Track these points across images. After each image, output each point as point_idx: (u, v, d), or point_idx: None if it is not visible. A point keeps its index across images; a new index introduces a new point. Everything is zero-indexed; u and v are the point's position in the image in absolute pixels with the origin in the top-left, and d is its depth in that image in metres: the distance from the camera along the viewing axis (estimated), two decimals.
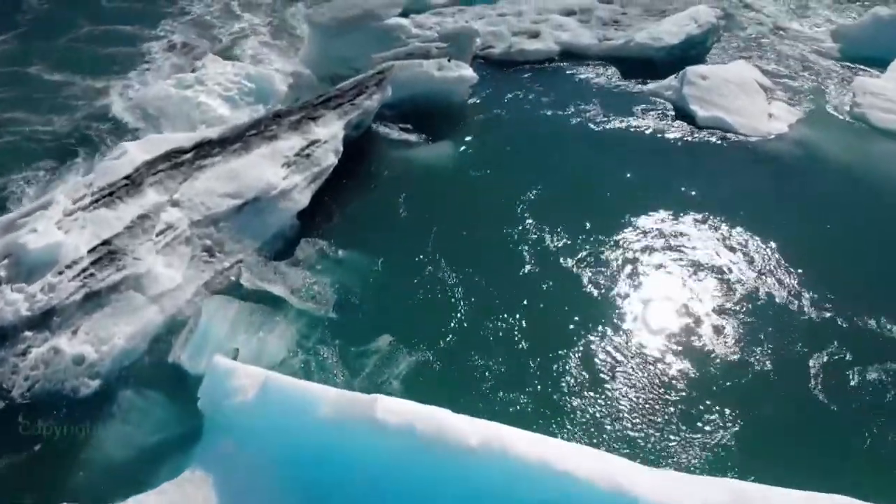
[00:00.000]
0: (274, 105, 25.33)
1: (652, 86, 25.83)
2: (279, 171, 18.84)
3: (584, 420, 13.78)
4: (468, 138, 23.46)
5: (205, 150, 19.45)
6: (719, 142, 23.10)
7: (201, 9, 36.21)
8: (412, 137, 23.39)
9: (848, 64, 28.16)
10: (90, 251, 16.13)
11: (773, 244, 18.53)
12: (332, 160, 19.76)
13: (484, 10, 31.27)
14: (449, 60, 24.87)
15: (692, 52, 28.46)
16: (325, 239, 18.28)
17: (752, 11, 33.73)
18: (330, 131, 20.40)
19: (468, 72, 24.68)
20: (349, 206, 19.96)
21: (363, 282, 17.09)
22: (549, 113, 24.72)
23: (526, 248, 18.43)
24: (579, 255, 18.14)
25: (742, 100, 24.04)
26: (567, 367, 14.91)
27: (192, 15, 35.22)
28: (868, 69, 27.73)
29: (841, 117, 24.47)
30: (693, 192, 20.69)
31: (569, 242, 18.60)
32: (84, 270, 15.83)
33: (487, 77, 26.75)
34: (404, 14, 28.65)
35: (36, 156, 23.68)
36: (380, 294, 16.80)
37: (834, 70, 27.79)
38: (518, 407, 13.96)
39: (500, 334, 15.76)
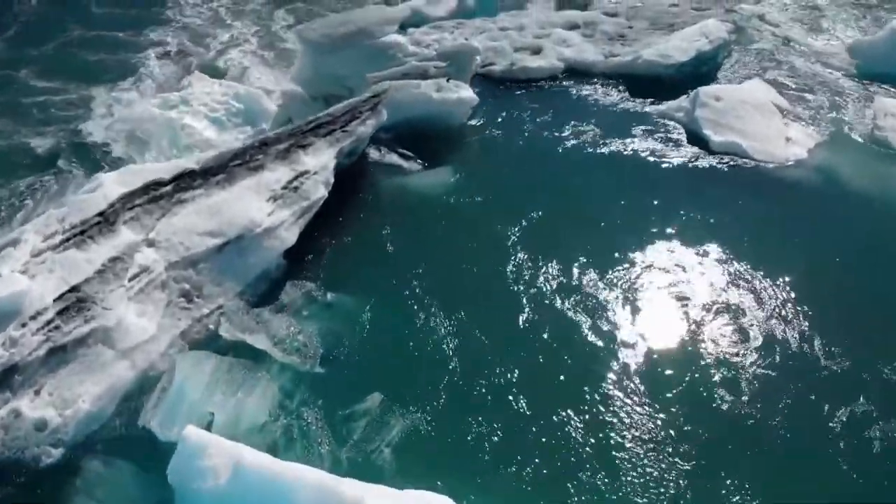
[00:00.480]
0: (263, 127, 24.25)
1: (662, 107, 24.49)
2: (264, 207, 17.54)
3: (588, 498, 12.49)
4: (467, 164, 22.16)
5: (185, 181, 18.14)
6: (735, 169, 21.75)
7: (190, 16, 35.11)
8: (408, 163, 22.08)
9: (866, 81, 26.77)
10: (56, 299, 14.86)
11: (792, 283, 17.22)
12: (321, 193, 18.45)
13: (484, 23, 29.94)
14: (448, 80, 23.56)
15: (703, 68, 27.14)
16: (313, 280, 16.99)
17: (764, 23, 32.35)
18: (320, 161, 19.10)
19: (468, 93, 23.37)
20: (340, 241, 18.66)
21: (353, 329, 15.79)
22: (552, 136, 23.39)
23: (527, 289, 17.11)
24: (585, 299, 16.81)
25: (758, 123, 22.72)
26: (570, 433, 13.61)
27: (179, 23, 34.13)
28: (886, 87, 26.38)
29: (861, 141, 23.12)
30: (708, 226, 19.39)
31: (574, 283, 17.28)
32: (49, 322, 14.51)
33: (488, 96, 25.43)
34: (402, 27, 27.38)
35: (12, 172, 22.74)
36: (370, 344, 15.51)
37: (851, 88, 26.43)
38: (519, 482, 12.67)
39: (500, 392, 14.43)
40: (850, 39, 30.31)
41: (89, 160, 23.23)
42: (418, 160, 22.18)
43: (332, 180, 18.98)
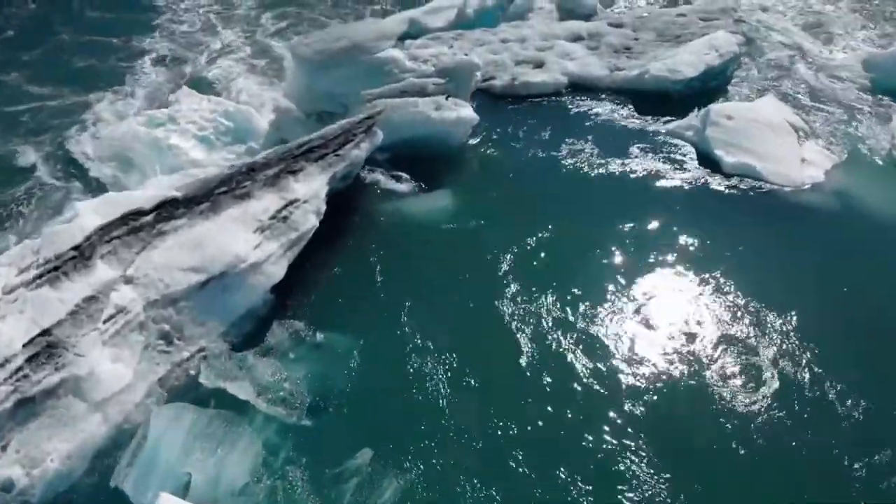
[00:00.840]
0: (253, 146, 23.11)
1: (671, 125, 23.43)
2: (251, 239, 16.48)
3: None
4: (466, 187, 21.10)
5: (167, 211, 17.10)
6: (749, 193, 20.67)
7: (181, 22, 34.09)
8: (405, 187, 21.02)
9: (881, 97, 25.69)
10: (26, 344, 13.81)
11: (809, 319, 16.31)
12: (312, 223, 17.40)
13: (484, 34, 28.82)
14: (447, 98, 22.52)
15: (712, 83, 26.07)
16: (302, 317, 15.96)
17: (773, 33, 31.27)
18: (311, 188, 18.05)
19: (468, 112, 22.30)
20: (331, 273, 17.61)
21: (343, 374, 14.75)
22: (555, 156, 22.32)
23: (528, 328, 16.07)
24: (588, 340, 15.81)
25: (772, 143, 21.64)
26: (574, 497, 12.59)
27: (170, 30, 33.05)
28: None
29: (880, 162, 22.06)
30: (720, 255, 18.35)
31: (577, 323, 16.24)
32: (18, 370, 13.49)
33: (488, 113, 24.30)
34: (400, 38, 26.30)
35: None
36: (361, 391, 14.47)
37: (867, 104, 25.34)
38: None
39: (499, 449, 13.39)
40: (861, 50, 29.28)
41: (72, 180, 22.14)
42: (415, 183, 21.12)
43: (323, 208, 17.94)
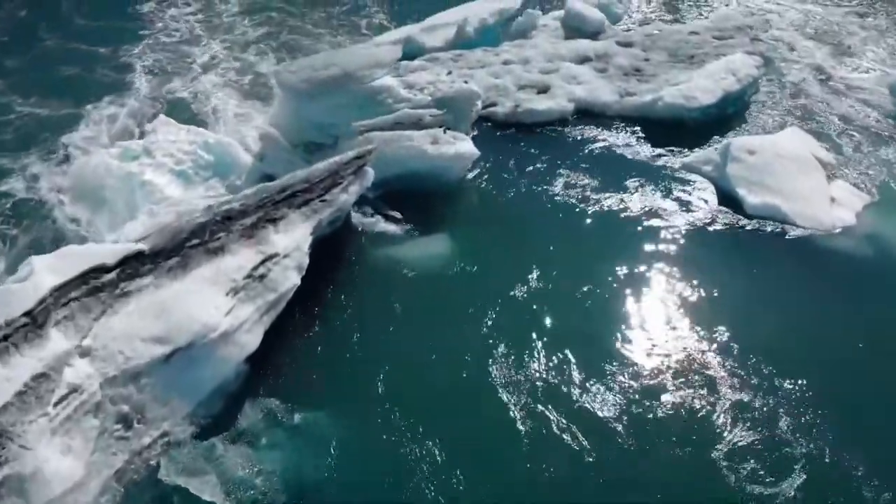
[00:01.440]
0: (234, 182, 21.39)
1: (688, 158, 21.66)
2: (222, 304, 14.70)
3: None
4: (465, 230, 19.37)
5: (132, 267, 15.36)
6: (774, 237, 18.91)
7: (166, 32, 32.39)
8: (397, 229, 19.30)
9: None
10: None
11: (841, 381, 14.72)
12: (292, 282, 15.65)
13: (485, 55, 27.08)
14: (444, 131, 20.78)
15: (729, 109, 24.33)
16: (278, 394, 14.22)
17: (791, 51, 29.49)
18: (292, 239, 16.31)
19: (467, 146, 20.55)
20: (311, 338, 15.86)
21: (322, 466, 12.98)
22: (562, 194, 20.56)
23: (529, 400, 14.35)
24: (588, 412, 14.12)
25: (798, 180, 19.88)
26: None
27: (154, 41, 31.41)
28: None
29: None
30: (744, 309, 16.67)
31: (582, 394, 14.51)
32: None
33: (490, 144, 22.55)
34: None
35: None
36: (343, 487, 12.69)
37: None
38: None
39: None
40: (885, 69, 27.50)
41: (36, 219, 20.40)
42: (408, 225, 19.41)
43: (305, 263, 16.19)
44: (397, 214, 19.78)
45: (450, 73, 23.97)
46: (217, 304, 14.64)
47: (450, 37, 28.56)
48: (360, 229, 19.23)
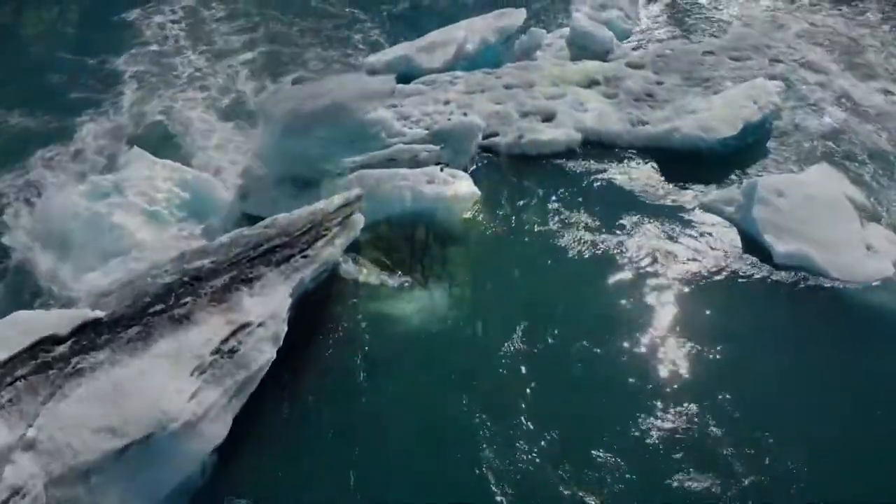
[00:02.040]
0: (212, 223, 19.60)
1: (707, 198, 19.80)
2: (185, 386, 12.85)
3: None
4: (466, 281, 17.52)
5: (87, 338, 13.57)
6: (805, 291, 17.06)
7: (150, 43, 30.64)
8: (389, 279, 17.47)
9: None
10: None
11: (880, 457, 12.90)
12: (267, 357, 13.77)
13: (486, 78, 25.20)
14: (442, 169, 19.03)
15: (749, 139, 22.42)
16: (248, 494, 12.43)
17: (811, 72, 27.57)
18: (268, 307, 14.44)
19: (466, 186, 18.79)
20: (289, 420, 13.97)
21: None
22: (569, 239, 18.64)
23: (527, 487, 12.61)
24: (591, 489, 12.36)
25: (831, 226, 18.05)
26: None
27: (138, 52, 29.56)
28: None
29: None
30: (775, 373, 14.96)
31: (586, 469, 12.75)
32: None
33: (491, 178, 20.73)
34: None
35: None
36: None
37: None
38: None
39: None
40: None
41: None
42: (402, 275, 17.60)
43: (283, 332, 14.31)
44: (388, 261, 17.99)
45: (447, 103, 22.07)
46: (180, 388, 12.78)
47: (448, 56, 26.59)
48: (345, 281, 17.40)
